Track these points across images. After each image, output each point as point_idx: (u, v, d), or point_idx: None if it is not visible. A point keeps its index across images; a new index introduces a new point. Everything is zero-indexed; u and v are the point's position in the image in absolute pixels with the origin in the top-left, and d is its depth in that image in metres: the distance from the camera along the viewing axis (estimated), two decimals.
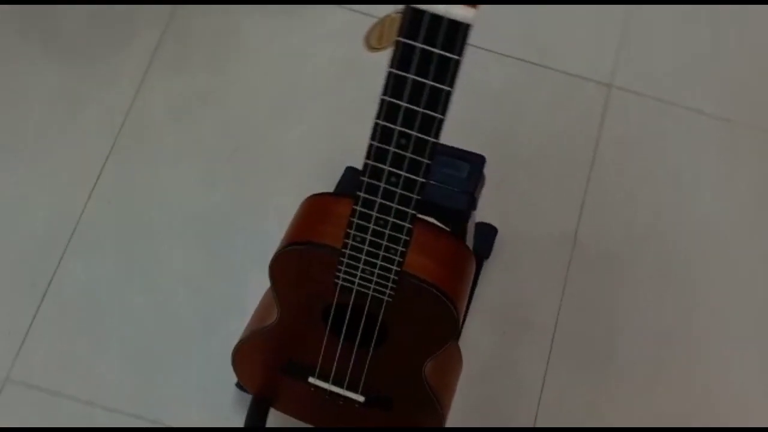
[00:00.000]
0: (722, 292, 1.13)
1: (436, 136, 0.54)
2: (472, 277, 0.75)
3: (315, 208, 0.74)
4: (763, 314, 1.12)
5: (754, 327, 1.12)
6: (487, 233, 1.12)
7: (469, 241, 0.88)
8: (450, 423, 1.00)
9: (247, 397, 0.99)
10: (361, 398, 0.84)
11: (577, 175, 1.19)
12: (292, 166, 1.17)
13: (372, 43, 0.59)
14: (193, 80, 1.21)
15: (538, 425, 1.04)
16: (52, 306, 1.07)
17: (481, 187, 0.79)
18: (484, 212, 1.14)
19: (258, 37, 1.24)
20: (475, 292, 1.11)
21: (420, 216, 0.64)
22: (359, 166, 0.60)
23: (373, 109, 0.55)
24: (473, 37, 0.48)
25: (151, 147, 1.17)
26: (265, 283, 0.92)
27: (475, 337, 1.08)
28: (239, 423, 0.99)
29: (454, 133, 1.03)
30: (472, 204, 0.77)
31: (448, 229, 0.80)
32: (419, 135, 0.55)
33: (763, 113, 1.24)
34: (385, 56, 0.53)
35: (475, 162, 0.77)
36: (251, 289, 1.07)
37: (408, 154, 0.56)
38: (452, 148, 0.77)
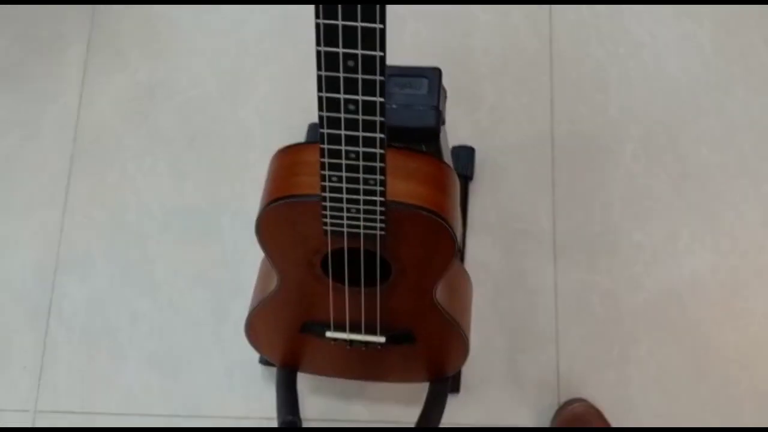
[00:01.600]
0: (708, 147, 1.13)
1: (382, 48, 0.53)
2: (458, 191, 0.74)
3: (284, 162, 0.73)
4: (753, 155, 1.12)
5: (746, 169, 1.12)
6: (466, 155, 1.11)
7: (447, 159, 0.87)
8: (476, 343, 1.01)
9: (274, 370, 1.00)
10: (381, 339, 0.84)
11: (540, 74, 1.17)
12: (256, 138, 1.15)
13: None
14: (135, 75, 1.18)
15: (560, 325, 1.05)
16: (59, 330, 1.06)
17: (444, 99, 0.77)
18: (457, 135, 1.13)
19: (187, 17, 1.21)
20: (468, 215, 1.10)
21: (392, 144, 0.62)
22: None
23: None
24: None
25: (111, 151, 1.15)
26: (260, 258, 0.91)
27: (480, 258, 1.08)
28: (271, 396, 1.00)
29: (411, 60, 1.01)
30: (440, 118, 0.76)
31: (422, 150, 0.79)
32: (364, 52, 0.53)
33: None
34: None
35: (432, 75, 0.75)
36: (248, 267, 1.06)
37: (359, 75, 0.55)
38: (405, 67, 0.76)
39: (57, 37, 1.20)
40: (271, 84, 1.18)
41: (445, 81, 0.81)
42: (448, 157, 0.87)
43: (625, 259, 1.08)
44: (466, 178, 1.11)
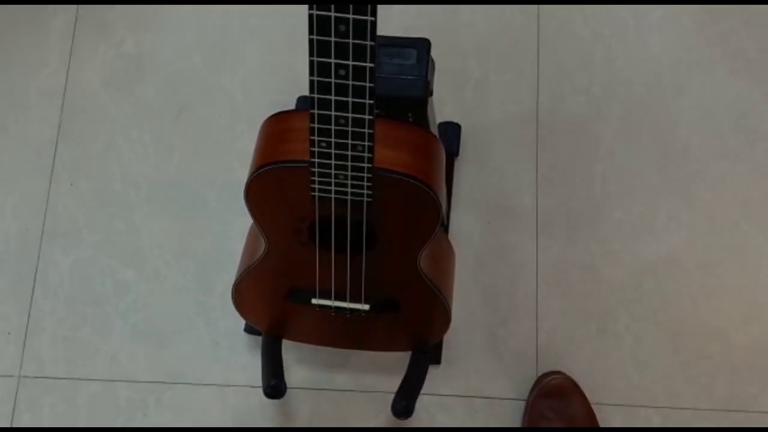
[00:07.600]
0: (688, 127, 1.15)
1: (373, 13, 0.54)
2: (443, 161, 0.75)
3: (274, 129, 0.74)
4: (731, 136, 1.15)
5: (724, 149, 1.14)
6: (452, 131, 1.13)
7: (434, 131, 0.89)
8: (457, 316, 1.03)
9: (259, 339, 1.01)
10: (365, 306, 0.85)
11: (526, 51, 1.19)
12: (243, 111, 1.16)
13: None
14: (122, 46, 1.18)
15: (540, 299, 1.07)
16: (44, 298, 1.07)
17: (432, 70, 0.78)
18: (443, 111, 1.14)
19: None
20: (453, 190, 1.12)
21: (380, 113, 0.63)
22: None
23: (306, 34, 0.54)
24: None
25: (97, 121, 1.15)
26: (246, 230, 0.92)
27: (463, 233, 1.10)
28: (256, 365, 1.01)
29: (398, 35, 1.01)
30: (428, 88, 0.77)
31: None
32: (356, 17, 0.54)
33: None
34: None
35: (421, 46, 0.76)
36: (235, 238, 1.08)
37: (350, 40, 0.56)
38: (394, 37, 0.77)
39: (44, 7, 1.20)
40: (258, 57, 1.18)
41: (431, 57, 0.82)
42: (435, 129, 0.89)
43: (605, 235, 1.11)
44: (452, 154, 1.12)
